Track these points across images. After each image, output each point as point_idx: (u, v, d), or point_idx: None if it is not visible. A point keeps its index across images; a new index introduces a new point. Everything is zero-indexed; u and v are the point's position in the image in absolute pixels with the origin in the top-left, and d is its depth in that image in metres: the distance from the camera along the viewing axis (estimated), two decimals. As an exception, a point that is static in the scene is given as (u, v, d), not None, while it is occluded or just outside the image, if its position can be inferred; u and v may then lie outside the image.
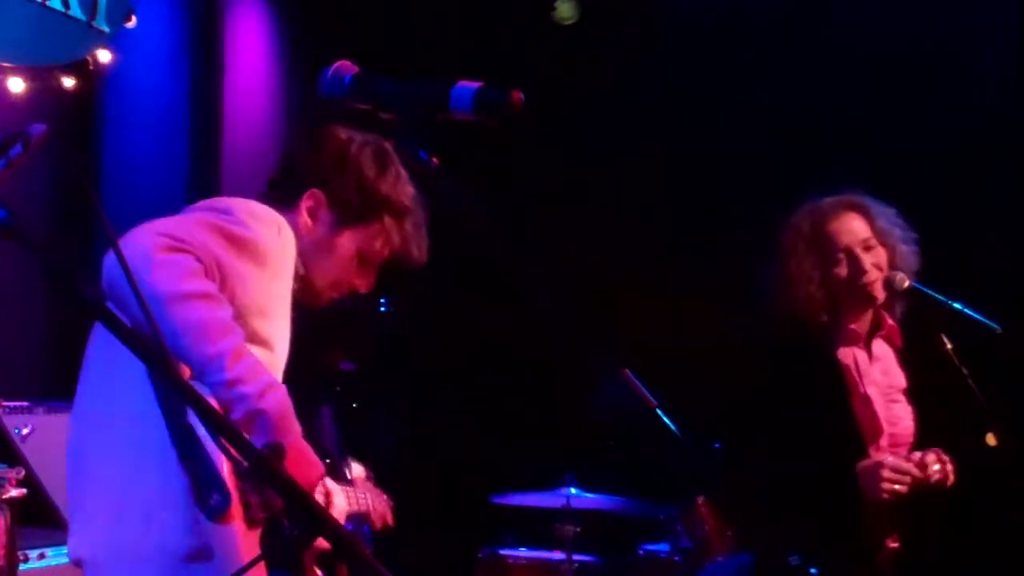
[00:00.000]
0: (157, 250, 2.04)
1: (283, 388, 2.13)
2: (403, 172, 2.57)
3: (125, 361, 2.06)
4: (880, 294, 3.32)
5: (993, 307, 3.34)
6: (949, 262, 3.49)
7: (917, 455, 3.21)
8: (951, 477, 3.22)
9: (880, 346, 3.40)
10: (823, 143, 5.62)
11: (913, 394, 3.35)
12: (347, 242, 2.54)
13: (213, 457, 1.96)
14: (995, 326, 3.30)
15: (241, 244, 2.18)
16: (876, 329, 3.39)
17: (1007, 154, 5.45)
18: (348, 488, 2.89)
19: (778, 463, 3.20)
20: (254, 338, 2.20)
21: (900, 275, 3.33)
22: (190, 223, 2.16)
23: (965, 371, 3.26)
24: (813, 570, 2.96)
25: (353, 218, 2.53)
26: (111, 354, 2.15)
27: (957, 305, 3.31)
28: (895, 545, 3.28)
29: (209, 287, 2.06)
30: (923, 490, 3.18)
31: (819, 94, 5.82)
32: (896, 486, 3.14)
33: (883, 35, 5.80)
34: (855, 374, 3.33)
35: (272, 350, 2.27)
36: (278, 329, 2.29)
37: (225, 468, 2.00)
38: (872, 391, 3.33)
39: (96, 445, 2.21)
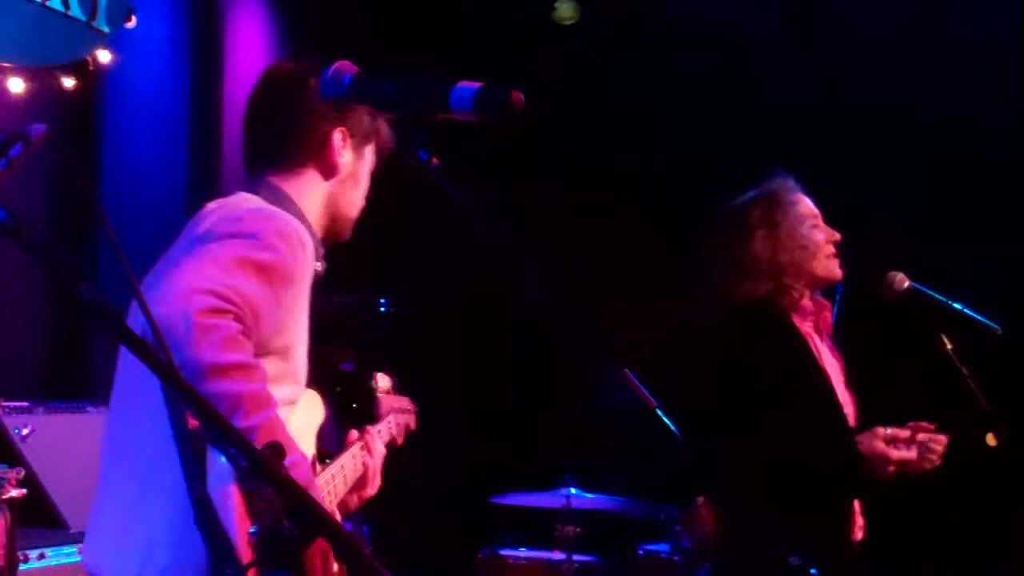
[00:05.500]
0: (199, 313, 2.06)
1: (307, 462, 2.21)
2: None
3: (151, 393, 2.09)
4: (839, 271, 3.32)
5: (993, 307, 3.35)
6: (949, 262, 3.49)
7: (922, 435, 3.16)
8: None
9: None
10: (821, 142, 5.62)
11: (849, 380, 3.35)
12: (366, 164, 2.59)
13: (230, 529, 1.98)
14: (995, 326, 3.30)
15: (271, 272, 2.21)
16: (820, 309, 3.38)
17: (1007, 153, 5.45)
18: (372, 428, 2.86)
19: (770, 445, 3.13)
20: (269, 351, 2.24)
21: (900, 275, 3.33)
22: (224, 264, 2.16)
23: (966, 371, 3.25)
24: (813, 570, 2.96)
25: (366, 139, 2.57)
26: (139, 382, 2.18)
27: (957, 305, 3.31)
28: (861, 535, 3.28)
29: (246, 357, 2.10)
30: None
31: (818, 93, 5.83)
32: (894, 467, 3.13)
33: (882, 33, 5.81)
34: (816, 352, 3.31)
35: (287, 359, 2.31)
36: (295, 335, 2.33)
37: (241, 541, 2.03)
38: (828, 369, 3.31)
39: (118, 459, 2.26)
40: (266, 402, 2.11)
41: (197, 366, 2.02)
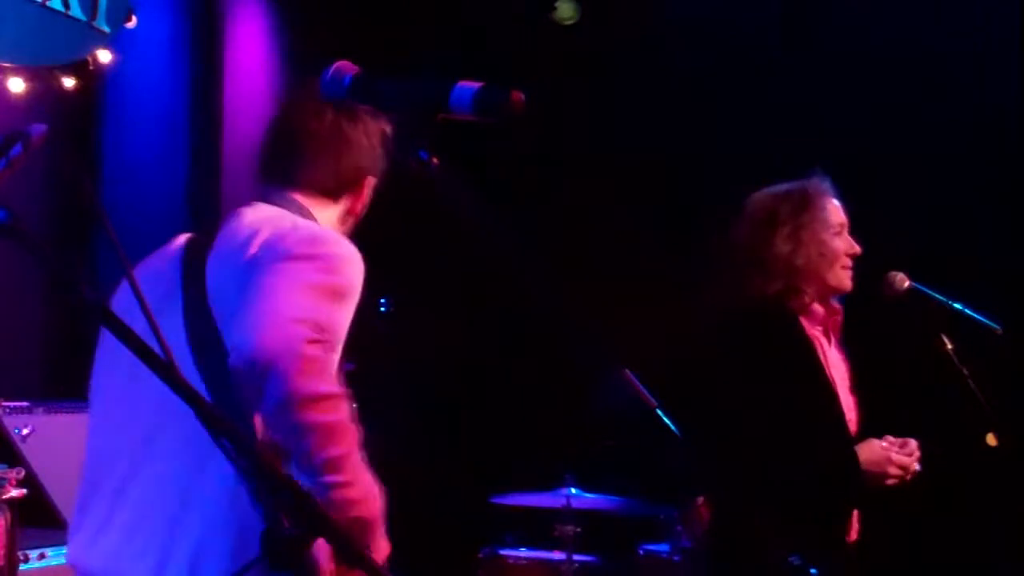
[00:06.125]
0: (303, 343, 2.06)
1: (381, 495, 2.22)
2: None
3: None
4: (850, 284, 3.31)
5: (993, 307, 3.35)
6: (949, 262, 3.48)
7: (912, 443, 3.20)
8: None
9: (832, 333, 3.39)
10: (821, 143, 5.61)
11: (854, 386, 3.34)
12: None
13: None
14: (995, 326, 3.30)
15: (342, 296, 2.22)
16: (831, 314, 3.36)
17: (1007, 154, 5.45)
18: None
19: (769, 447, 3.12)
20: None
21: (900, 275, 3.32)
22: (309, 291, 2.16)
23: (966, 371, 3.25)
24: (813, 570, 2.96)
25: (379, 186, 2.58)
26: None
27: (957, 305, 3.31)
28: (855, 536, 3.27)
29: (339, 387, 2.12)
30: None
31: (818, 94, 5.83)
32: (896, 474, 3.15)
33: (882, 32, 5.81)
34: (822, 356, 3.29)
35: None
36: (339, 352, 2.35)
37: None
38: (834, 374, 3.29)
39: (133, 466, 2.24)
40: (351, 430, 2.12)
41: (297, 396, 2.02)
